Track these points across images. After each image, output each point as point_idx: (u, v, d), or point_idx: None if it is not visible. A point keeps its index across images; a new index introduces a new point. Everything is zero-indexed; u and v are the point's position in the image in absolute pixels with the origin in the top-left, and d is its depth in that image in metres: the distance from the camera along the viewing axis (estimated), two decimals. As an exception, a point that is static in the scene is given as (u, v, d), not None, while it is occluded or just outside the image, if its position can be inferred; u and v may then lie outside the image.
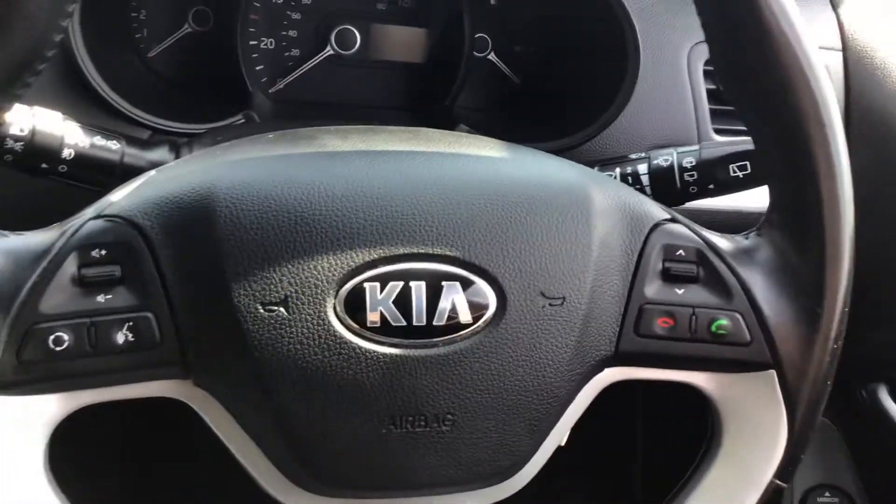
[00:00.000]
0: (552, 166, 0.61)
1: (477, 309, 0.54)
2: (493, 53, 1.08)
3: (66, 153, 0.70)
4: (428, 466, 0.56)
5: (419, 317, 0.53)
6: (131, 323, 0.52)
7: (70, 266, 0.52)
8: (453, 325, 0.54)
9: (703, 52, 0.95)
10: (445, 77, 1.03)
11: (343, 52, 1.04)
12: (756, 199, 0.78)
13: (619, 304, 0.57)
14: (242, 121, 0.90)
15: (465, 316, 0.54)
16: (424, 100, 1.06)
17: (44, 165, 0.69)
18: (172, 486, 1.29)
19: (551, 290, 0.55)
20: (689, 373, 0.61)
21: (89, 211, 0.54)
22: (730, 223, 0.69)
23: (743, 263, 0.59)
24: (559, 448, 0.61)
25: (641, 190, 0.77)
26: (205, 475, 1.18)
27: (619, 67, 0.93)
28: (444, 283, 0.54)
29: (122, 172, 0.71)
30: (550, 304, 0.55)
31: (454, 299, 0.54)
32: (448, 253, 0.54)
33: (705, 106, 0.95)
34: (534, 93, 1.08)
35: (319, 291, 0.52)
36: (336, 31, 1.03)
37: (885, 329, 1.04)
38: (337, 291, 0.53)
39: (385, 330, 0.53)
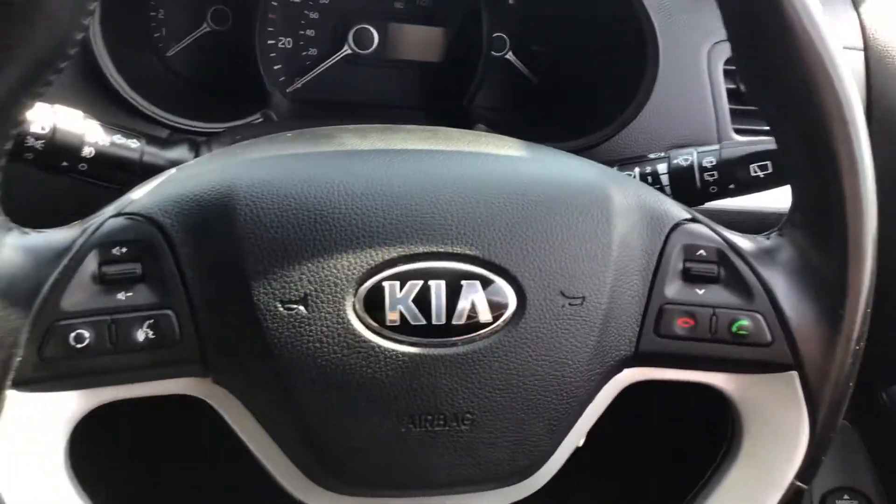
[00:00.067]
0: (572, 165, 0.61)
1: (496, 308, 0.54)
2: (510, 53, 1.08)
3: (87, 151, 0.70)
4: (446, 465, 0.55)
5: (438, 316, 0.53)
6: (152, 320, 0.52)
7: (91, 264, 0.52)
8: (473, 325, 0.54)
9: (723, 51, 0.94)
10: (463, 76, 1.03)
11: (360, 51, 1.04)
12: (776, 199, 0.78)
13: (639, 304, 0.57)
14: (260, 120, 0.91)
15: (484, 315, 0.54)
16: (442, 99, 1.06)
17: (64, 163, 0.70)
18: (187, 484, 1.30)
19: (571, 290, 0.55)
20: (709, 373, 0.60)
21: (110, 209, 0.54)
22: (750, 224, 0.69)
23: (764, 264, 0.58)
24: (577, 448, 0.61)
25: (661, 190, 0.76)
26: (220, 474, 1.18)
27: (638, 67, 0.92)
28: (463, 282, 0.54)
29: (142, 171, 0.72)
30: (570, 304, 0.55)
31: (474, 298, 0.54)
32: (468, 252, 0.54)
33: (725, 105, 0.94)
34: (552, 92, 1.08)
35: (339, 290, 0.52)
36: (354, 30, 1.03)
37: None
38: (356, 290, 0.53)
39: (404, 329, 0.53)
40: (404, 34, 1.06)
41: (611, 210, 0.57)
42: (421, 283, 0.53)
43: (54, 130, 0.68)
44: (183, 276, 0.53)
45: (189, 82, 1.02)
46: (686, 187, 0.78)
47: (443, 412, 0.54)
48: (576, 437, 0.59)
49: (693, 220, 0.59)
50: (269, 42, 1.03)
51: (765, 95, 0.58)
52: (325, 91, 1.06)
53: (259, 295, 0.52)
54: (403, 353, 0.53)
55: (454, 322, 0.53)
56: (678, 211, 0.60)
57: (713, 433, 0.67)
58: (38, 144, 0.68)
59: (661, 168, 0.79)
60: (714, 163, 0.77)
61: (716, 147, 0.78)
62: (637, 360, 0.58)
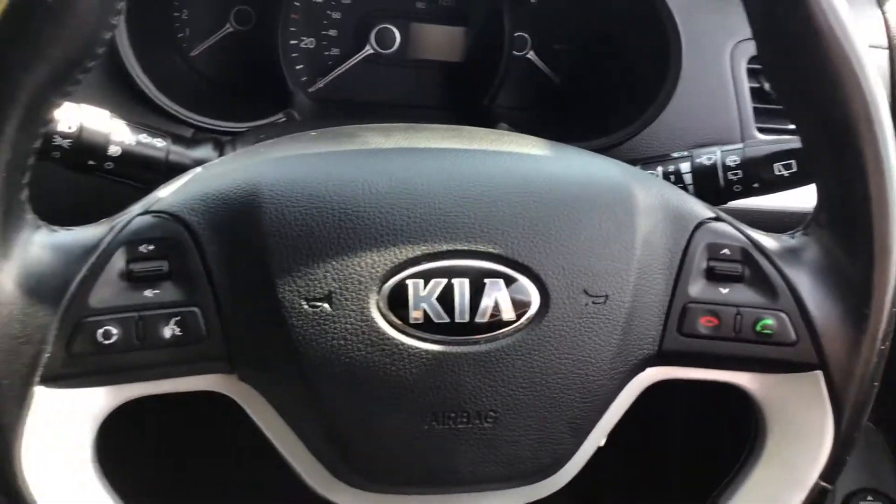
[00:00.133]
0: (595, 164, 0.61)
1: (520, 306, 0.54)
2: (532, 52, 1.08)
3: (113, 150, 0.71)
4: (469, 463, 0.56)
5: (462, 314, 0.53)
6: (178, 317, 0.53)
7: (118, 261, 0.53)
8: (496, 323, 0.54)
9: (747, 50, 0.94)
10: (485, 76, 1.03)
11: (382, 51, 1.04)
12: (800, 198, 0.77)
13: (663, 303, 0.57)
14: (283, 120, 0.91)
15: (507, 313, 0.54)
16: (463, 99, 1.06)
17: (90, 162, 0.70)
18: (211, 480, 1.30)
19: (594, 288, 0.55)
20: (733, 373, 0.60)
21: (137, 207, 0.55)
22: (773, 223, 0.68)
23: (789, 263, 0.58)
24: (599, 448, 0.61)
25: (684, 189, 0.76)
26: (244, 470, 1.19)
27: (661, 65, 0.92)
28: (486, 280, 0.54)
29: (168, 169, 0.72)
30: (593, 302, 0.55)
31: (497, 296, 0.54)
32: (491, 250, 0.54)
33: (748, 104, 0.94)
34: (573, 91, 1.08)
35: (363, 288, 0.53)
36: (376, 30, 1.04)
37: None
38: (380, 288, 0.53)
39: (428, 326, 0.53)
40: (426, 34, 1.06)
41: (634, 208, 0.57)
42: (445, 281, 0.53)
43: (81, 129, 0.69)
44: (209, 274, 0.53)
45: (212, 82, 1.03)
46: (709, 186, 0.77)
47: (466, 410, 0.54)
48: (599, 435, 0.59)
49: (717, 218, 0.59)
50: (292, 42, 1.03)
51: (790, 94, 0.58)
52: (347, 91, 1.06)
53: (284, 292, 0.52)
54: (427, 351, 0.53)
55: (477, 320, 0.54)
56: (702, 209, 0.59)
57: (736, 433, 0.66)
58: (66, 143, 0.69)
59: (685, 167, 0.78)
60: (738, 162, 0.77)
61: (740, 146, 0.78)
62: (660, 359, 0.58)
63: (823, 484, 0.59)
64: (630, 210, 0.57)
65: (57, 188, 0.66)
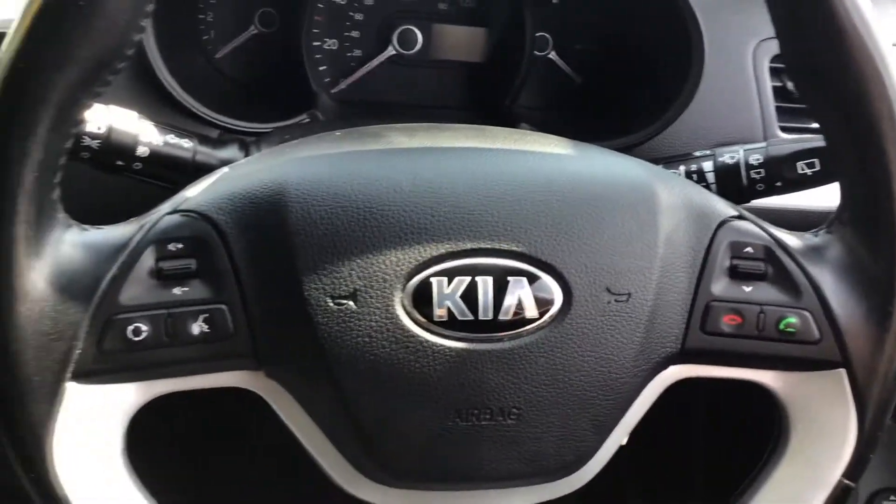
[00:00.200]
0: (618, 163, 0.61)
1: (543, 304, 0.54)
2: (553, 52, 1.08)
3: (141, 151, 0.71)
4: (493, 459, 0.56)
5: (485, 311, 0.54)
6: (206, 314, 0.53)
7: (148, 259, 0.53)
8: (519, 320, 0.54)
9: (769, 49, 0.94)
10: (506, 76, 1.03)
11: (405, 52, 1.05)
12: (823, 197, 0.77)
13: (686, 301, 0.57)
14: (307, 120, 0.92)
15: (530, 311, 0.54)
16: (485, 99, 1.07)
17: (119, 162, 0.71)
18: (237, 475, 1.31)
19: (617, 286, 0.55)
20: (756, 371, 0.60)
21: (165, 206, 0.56)
22: (796, 222, 0.68)
23: (812, 261, 0.58)
24: (620, 446, 0.61)
25: (707, 188, 0.76)
26: (270, 466, 1.20)
27: (683, 65, 0.92)
28: (510, 278, 0.54)
29: (194, 170, 0.73)
30: (616, 300, 0.55)
31: (520, 294, 0.54)
32: (514, 248, 0.54)
33: (771, 103, 0.93)
34: (595, 91, 1.08)
35: (387, 285, 0.53)
36: (398, 31, 1.04)
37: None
38: (404, 285, 0.53)
39: (451, 324, 0.54)
40: (448, 35, 1.07)
41: (657, 207, 0.57)
42: (468, 279, 0.54)
43: (110, 130, 0.70)
44: (236, 272, 0.54)
45: (237, 83, 1.03)
46: (732, 185, 0.77)
47: (489, 406, 0.55)
48: (621, 433, 0.59)
49: (740, 217, 0.59)
50: (315, 44, 1.04)
51: (814, 94, 0.58)
52: (369, 92, 1.06)
53: (309, 290, 0.53)
54: (451, 348, 0.54)
55: (501, 318, 0.54)
56: (725, 208, 0.60)
57: (759, 431, 0.66)
58: (95, 144, 0.70)
59: (707, 166, 0.78)
60: (761, 160, 0.77)
61: (762, 144, 0.78)
62: (683, 357, 0.58)
63: (847, 482, 0.59)
64: (653, 209, 0.57)
65: (86, 188, 0.67)
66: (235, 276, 0.54)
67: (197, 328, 0.53)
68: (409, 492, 0.58)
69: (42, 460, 0.52)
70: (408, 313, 0.54)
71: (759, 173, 0.77)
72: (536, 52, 1.06)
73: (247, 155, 0.77)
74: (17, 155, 0.48)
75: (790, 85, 0.93)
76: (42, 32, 0.48)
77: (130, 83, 0.84)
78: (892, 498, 1.12)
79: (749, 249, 0.58)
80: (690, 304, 0.57)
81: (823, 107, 0.57)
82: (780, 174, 0.76)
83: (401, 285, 0.53)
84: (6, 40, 0.48)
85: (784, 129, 0.94)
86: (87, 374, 0.52)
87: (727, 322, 0.58)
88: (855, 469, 0.59)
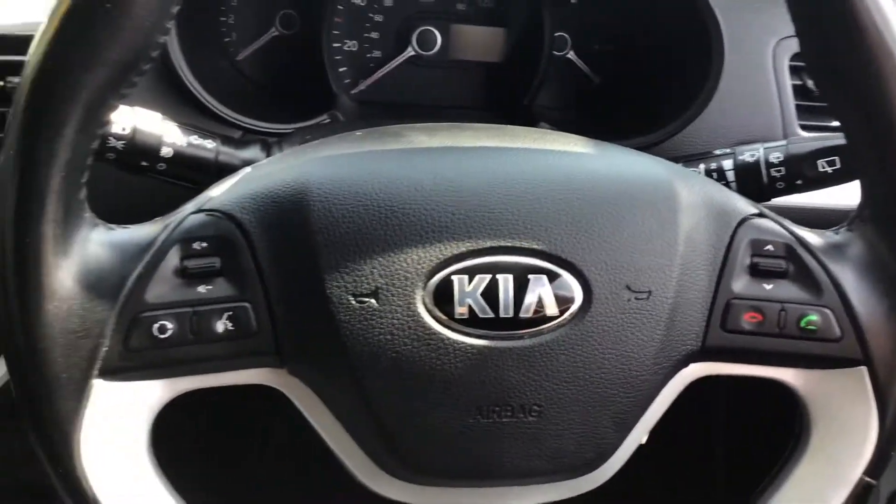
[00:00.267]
0: (638, 162, 0.62)
1: (563, 302, 0.55)
2: (572, 52, 1.08)
3: (165, 151, 0.72)
4: (514, 456, 0.56)
5: (506, 309, 0.54)
6: (230, 312, 0.54)
7: (173, 258, 0.54)
8: (539, 318, 0.54)
9: (789, 47, 0.93)
10: (525, 76, 1.03)
11: (424, 52, 1.05)
12: (844, 195, 0.77)
13: (706, 299, 0.57)
14: (328, 121, 0.92)
15: (551, 309, 0.54)
16: (504, 99, 1.07)
17: (143, 163, 0.72)
18: (260, 471, 1.32)
19: (637, 284, 0.56)
20: (776, 369, 0.60)
21: (190, 206, 0.56)
22: (817, 220, 0.68)
23: (833, 259, 0.58)
24: (640, 445, 0.61)
25: (727, 186, 0.76)
26: (293, 462, 1.20)
27: (702, 64, 0.92)
28: (530, 276, 0.54)
29: (217, 170, 0.74)
30: (636, 298, 0.56)
31: (540, 292, 0.54)
32: (535, 246, 0.55)
33: (791, 102, 0.93)
34: (613, 91, 1.08)
35: (409, 283, 0.54)
36: (417, 32, 1.05)
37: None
38: (426, 283, 0.54)
39: (472, 322, 0.54)
40: (467, 35, 1.07)
41: (677, 205, 0.57)
42: (489, 276, 0.54)
43: (135, 131, 0.71)
44: (260, 270, 0.54)
45: (258, 85, 1.04)
46: (752, 183, 0.77)
47: (510, 404, 0.55)
48: (642, 430, 0.59)
49: (760, 214, 0.59)
50: (335, 45, 1.05)
51: (834, 92, 0.58)
52: (389, 92, 1.07)
53: (332, 288, 0.54)
54: (472, 346, 0.54)
55: (521, 315, 0.54)
56: (745, 206, 0.60)
57: (780, 429, 0.66)
58: (119, 145, 0.70)
59: (727, 164, 0.78)
60: (781, 158, 0.77)
61: (783, 142, 0.78)
62: (703, 354, 0.58)
63: (868, 480, 0.59)
64: (673, 207, 0.57)
65: (111, 188, 0.68)
66: (259, 275, 0.54)
67: (221, 326, 0.54)
68: (431, 488, 0.58)
69: (70, 456, 0.53)
70: (429, 311, 0.54)
71: (779, 171, 0.77)
72: (555, 52, 1.06)
73: (269, 155, 0.78)
74: (44, 156, 0.49)
75: (810, 83, 0.93)
76: (70, 34, 0.48)
77: (154, 85, 0.85)
78: (915, 496, 1.11)
79: (770, 247, 0.58)
80: (711, 301, 0.57)
81: (844, 105, 0.57)
82: (801, 172, 0.76)
83: (422, 283, 0.54)
84: (34, 42, 0.49)
85: (804, 128, 0.94)
86: (113, 371, 0.53)
87: (748, 320, 0.58)
88: (876, 466, 0.59)
